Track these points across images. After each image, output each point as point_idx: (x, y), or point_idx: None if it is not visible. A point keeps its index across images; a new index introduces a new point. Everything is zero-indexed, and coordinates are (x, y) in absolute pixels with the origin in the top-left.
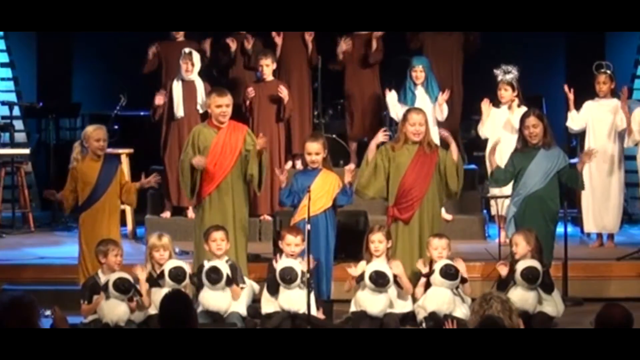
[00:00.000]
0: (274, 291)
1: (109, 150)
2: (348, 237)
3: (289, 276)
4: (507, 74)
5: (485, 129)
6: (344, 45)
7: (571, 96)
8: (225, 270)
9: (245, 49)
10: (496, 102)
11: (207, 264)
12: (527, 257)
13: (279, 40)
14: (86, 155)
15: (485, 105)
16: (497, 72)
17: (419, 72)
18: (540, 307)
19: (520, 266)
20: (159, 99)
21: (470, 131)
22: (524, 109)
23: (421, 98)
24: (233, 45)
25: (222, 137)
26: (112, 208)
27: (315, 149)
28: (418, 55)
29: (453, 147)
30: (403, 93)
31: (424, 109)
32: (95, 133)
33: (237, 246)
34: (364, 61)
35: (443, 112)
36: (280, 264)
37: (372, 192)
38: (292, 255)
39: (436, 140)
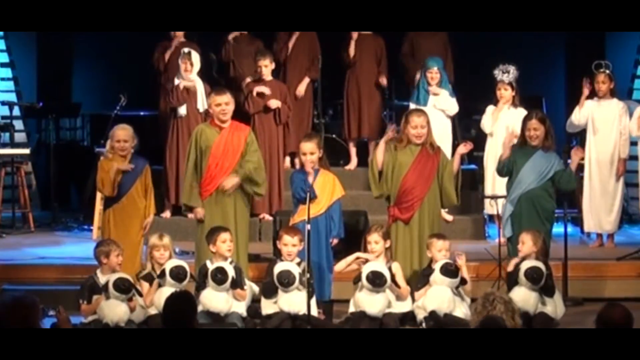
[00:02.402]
0: (270, 294)
1: None
2: (348, 237)
3: (286, 279)
4: (506, 74)
5: (486, 122)
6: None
7: (586, 91)
8: (231, 272)
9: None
10: (494, 102)
11: (211, 265)
12: (532, 258)
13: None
14: (115, 154)
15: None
16: (496, 72)
17: (434, 73)
18: (541, 308)
19: (524, 265)
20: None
21: (471, 131)
22: (521, 110)
23: (434, 98)
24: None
25: (224, 137)
26: (135, 208)
27: (309, 149)
28: (432, 56)
29: (457, 159)
30: (416, 93)
31: (437, 112)
32: (116, 133)
33: (238, 246)
34: (365, 61)
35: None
36: (277, 267)
37: (386, 191)
38: (290, 256)
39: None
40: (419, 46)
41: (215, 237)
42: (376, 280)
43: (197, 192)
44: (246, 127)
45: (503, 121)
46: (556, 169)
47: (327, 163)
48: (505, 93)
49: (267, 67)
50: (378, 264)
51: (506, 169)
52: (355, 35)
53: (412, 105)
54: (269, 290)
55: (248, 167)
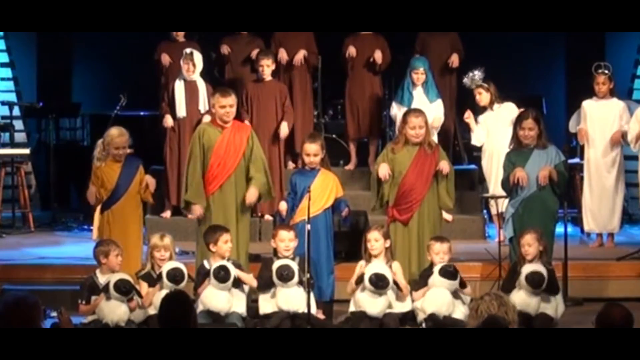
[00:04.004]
0: (266, 289)
1: None
2: (348, 237)
3: (285, 272)
4: (473, 79)
5: (476, 137)
6: (352, 49)
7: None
8: (233, 271)
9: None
10: (480, 109)
11: (209, 265)
12: (537, 258)
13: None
14: (107, 156)
15: (468, 117)
16: (465, 81)
17: (420, 74)
18: (542, 308)
19: (525, 270)
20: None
21: (470, 131)
22: (508, 104)
23: (419, 99)
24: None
25: (226, 136)
26: (133, 208)
27: (313, 150)
28: (418, 56)
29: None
30: (401, 93)
31: (422, 109)
32: (116, 141)
33: (239, 246)
34: (366, 61)
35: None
36: (276, 263)
37: (386, 197)
38: (287, 251)
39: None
40: (428, 46)
41: (217, 237)
42: (379, 283)
43: (202, 189)
44: (248, 127)
45: (491, 123)
46: (555, 162)
47: (328, 163)
48: (481, 97)
49: (268, 67)
50: (380, 266)
51: (507, 184)
52: (352, 51)
53: (395, 105)
54: (265, 285)
55: (260, 180)
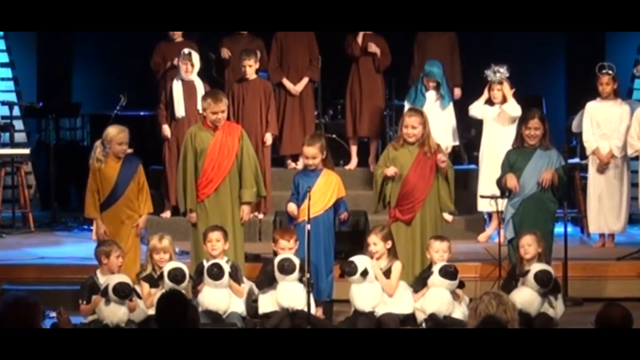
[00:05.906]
0: (265, 286)
1: None
2: (348, 237)
3: (287, 263)
4: (497, 74)
5: (476, 107)
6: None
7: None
8: (227, 269)
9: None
10: (489, 102)
11: (207, 262)
12: (535, 259)
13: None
14: (108, 156)
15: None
16: (487, 72)
17: (431, 81)
18: (544, 308)
19: (534, 269)
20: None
21: (470, 131)
22: (514, 103)
23: (431, 102)
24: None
25: (219, 139)
26: (131, 209)
27: (311, 153)
28: (432, 62)
29: (444, 165)
30: (414, 94)
31: (434, 114)
32: (118, 137)
33: (236, 247)
34: (366, 61)
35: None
36: (278, 257)
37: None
38: None
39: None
40: (425, 45)
41: (204, 237)
42: (345, 268)
43: (195, 195)
44: (238, 127)
45: (492, 123)
46: (556, 165)
47: (332, 163)
48: (499, 94)
49: (251, 67)
50: (357, 256)
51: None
52: (357, 51)
53: (407, 105)
54: (265, 282)
55: (248, 193)
